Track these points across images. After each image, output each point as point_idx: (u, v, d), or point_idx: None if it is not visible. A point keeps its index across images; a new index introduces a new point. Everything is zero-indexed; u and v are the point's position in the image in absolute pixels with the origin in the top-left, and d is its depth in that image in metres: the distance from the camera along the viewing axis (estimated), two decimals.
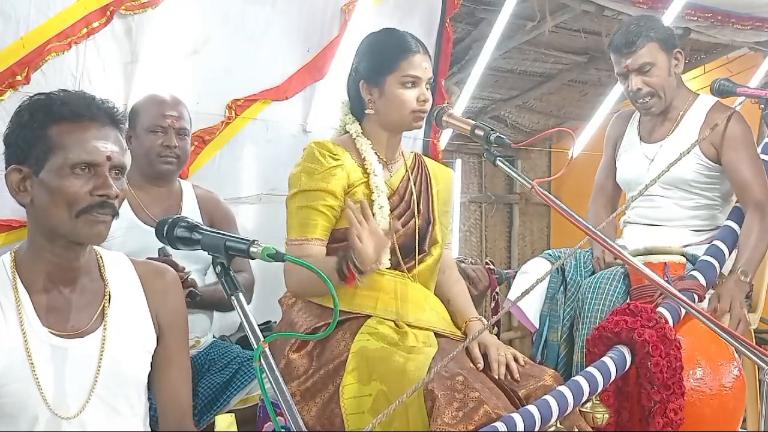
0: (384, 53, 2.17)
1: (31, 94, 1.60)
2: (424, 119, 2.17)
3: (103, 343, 1.59)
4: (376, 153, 2.17)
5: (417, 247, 2.19)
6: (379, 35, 2.23)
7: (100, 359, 1.57)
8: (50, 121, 1.53)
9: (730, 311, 2.41)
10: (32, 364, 1.51)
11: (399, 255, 2.14)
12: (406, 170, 2.25)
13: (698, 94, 2.80)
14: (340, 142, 2.19)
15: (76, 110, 1.55)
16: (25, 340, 1.52)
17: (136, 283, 1.69)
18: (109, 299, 1.63)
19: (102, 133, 1.56)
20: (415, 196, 2.22)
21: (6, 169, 1.56)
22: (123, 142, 1.61)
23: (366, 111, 2.19)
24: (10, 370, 1.50)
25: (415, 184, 2.24)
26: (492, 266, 2.86)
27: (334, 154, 2.12)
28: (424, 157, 2.37)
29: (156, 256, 2.28)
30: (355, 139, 2.18)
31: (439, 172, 2.35)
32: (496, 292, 2.87)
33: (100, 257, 1.67)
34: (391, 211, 2.14)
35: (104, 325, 1.60)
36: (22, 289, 1.56)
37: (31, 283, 1.57)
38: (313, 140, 2.17)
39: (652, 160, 2.73)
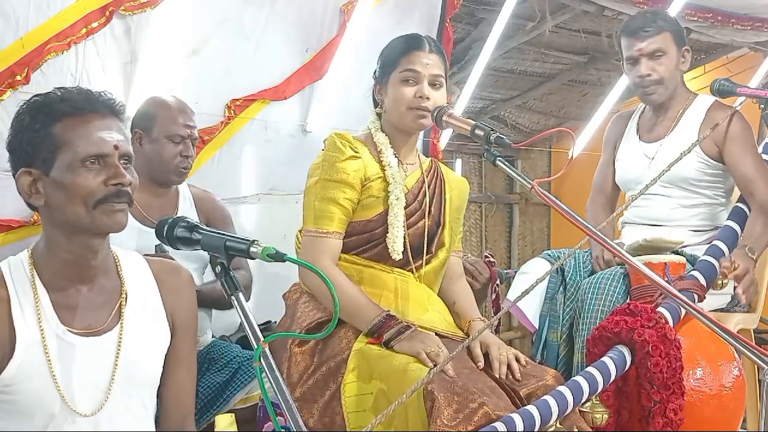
0: (389, 52, 2.22)
1: (28, 97, 1.60)
2: (429, 118, 2.16)
3: (120, 342, 1.59)
4: (392, 147, 2.21)
5: (425, 247, 2.21)
6: (394, 39, 2.26)
7: (117, 358, 1.58)
8: (52, 119, 1.53)
9: (744, 274, 2.41)
10: (49, 361, 1.52)
11: (410, 254, 2.16)
12: (422, 173, 2.27)
13: (697, 94, 2.81)
14: (360, 137, 2.23)
15: (77, 105, 1.55)
16: (43, 337, 1.52)
17: (152, 281, 1.70)
18: (126, 298, 1.63)
19: (105, 123, 1.56)
20: (427, 198, 2.24)
21: (14, 174, 1.57)
22: (126, 131, 1.62)
23: (377, 110, 2.25)
24: (28, 366, 1.51)
25: (429, 187, 2.26)
26: (492, 259, 2.85)
27: (354, 146, 2.15)
28: (441, 165, 2.39)
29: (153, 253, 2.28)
30: (373, 134, 2.22)
31: (454, 180, 2.38)
32: (497, 285, 2.86)
33: (117, 256, 1.68)
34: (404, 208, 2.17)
35: (121, 324, 1.61)
36: (41, 286, 1.56)
37: (49, 281, 1.57)
38: (333, 131, 2.21)
39: (653, 158, 2.73)
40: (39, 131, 1.53)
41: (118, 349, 1.59)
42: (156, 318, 1.67)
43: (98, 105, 1.58)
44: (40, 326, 1.53)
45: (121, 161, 1.57)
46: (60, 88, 1.60)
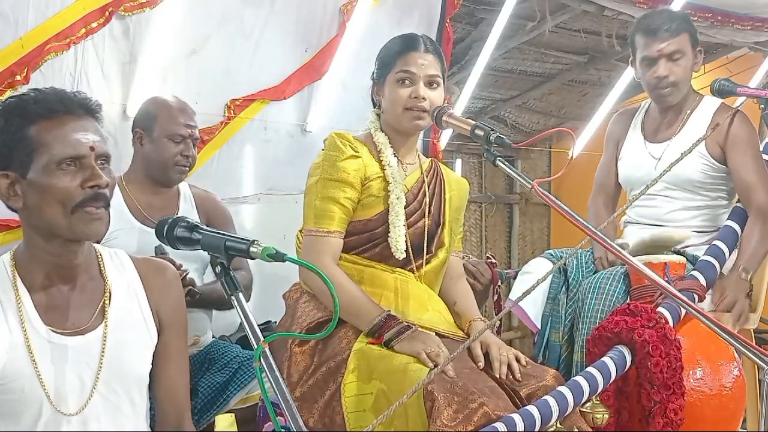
0: (386, 53, 2.22)
1: (2, 99, 1.59)
2: (426, 119, 2.17)
3: (104, 341, 1.59)
4: (392, 147, 2.21)
5: (425, 247, 2.21)
6: (391, 39, 2.26)
7: (102, 356, 1.58)
8: (27, 122, 1.53)
9: (733, 306, 2.42)
10: (34, 361, 1.52)
11: (410, 254, 2.16)
12: (422, 173, 2.27)
13: (703, 95, 2.78)
14: (360, 137, 2.23)
15: (51, 106, 1.54)
16: (26, 338, 1.52)
17: (136, 280, 1.69)
18: (110, 297, 1.63)
19: (80, 125, 1.55)
20: (427, 198, 2.24)
21: None
22: (102, 131, 1.60)
23: (375, 111, 2.25)
24: (13, 367, 1.51)
25: (428, 187, 2.26)
26: (493, 260, 2.85)
27: (354, 146, 2.15)
28: (441, 165, 2.39)
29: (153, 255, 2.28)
30: (373, 134, 2.22)
31: (454, 180, 2.38)
32: (499, 286, 2.86)
33: (100, 255, 1.67)
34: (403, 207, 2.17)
35: (105, 323, 1.60)
36: (22, 287, 1.56)
37: (31, 281, 1.57)
38: (334, 131, 2.21)
39: (659, 159, 2.70)
40: (14, 134, 1.52)
41: (103, 348, 1.58)
42: (142, 316, 1.67)
43: (73, 106, 1.56)
44: (23, 327, 1.53)
45: (98, 162, 1.55)
46: (34, 89, 1.59)
